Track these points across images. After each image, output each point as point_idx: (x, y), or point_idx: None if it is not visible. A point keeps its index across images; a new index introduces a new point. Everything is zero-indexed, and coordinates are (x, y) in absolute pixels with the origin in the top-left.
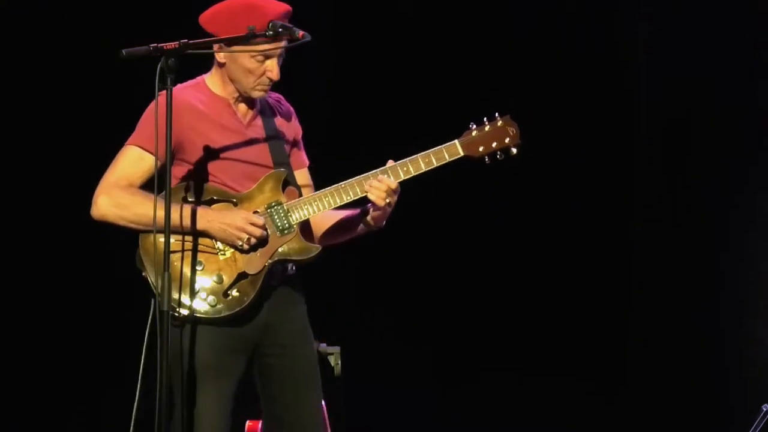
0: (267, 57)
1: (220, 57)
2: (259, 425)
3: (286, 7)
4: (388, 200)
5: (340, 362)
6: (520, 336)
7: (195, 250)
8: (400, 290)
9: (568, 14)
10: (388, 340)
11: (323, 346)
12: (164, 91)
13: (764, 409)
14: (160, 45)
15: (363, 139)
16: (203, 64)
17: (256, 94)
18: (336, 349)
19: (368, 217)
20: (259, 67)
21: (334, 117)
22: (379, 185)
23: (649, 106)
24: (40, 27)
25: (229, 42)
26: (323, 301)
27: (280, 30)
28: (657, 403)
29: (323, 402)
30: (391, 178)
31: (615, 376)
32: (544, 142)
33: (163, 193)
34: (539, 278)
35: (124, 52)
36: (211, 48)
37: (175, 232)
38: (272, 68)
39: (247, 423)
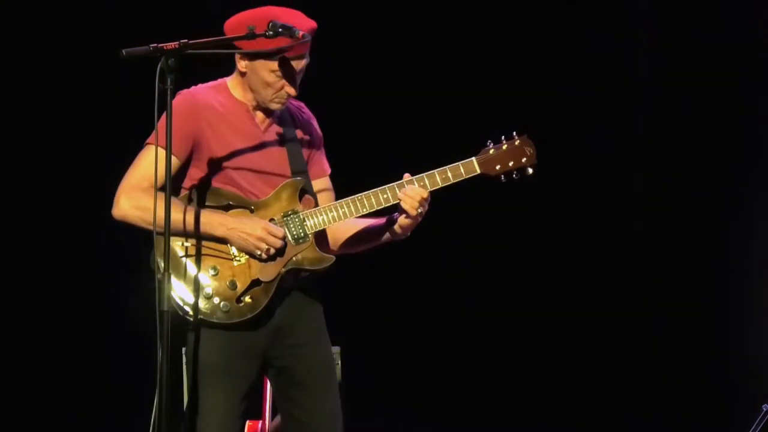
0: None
1: (241, 66)
2: (259, 425)
3: (311, 24)
4: (420, 210)
5: (340, 363)
6: (521, 337)
7: (210, 255)
8: (400, 290)
9: (569, 13)
10: (389, 341)
11: None
12: (183, 91)
13: (764, 409)
14: (160, 45)
15: (376, 151)
16: (221, 65)
17: (274, 106)
18: (336, 350)
19: (396, 226)
20: (278, 81)
21: (349, 129)
22: (412, 195)
23: (649, 105)
24: (40, 27)
25: (244, 48)
26: (323, 301)
27: (280, 30)
28: (657, 402)
29: None
30: (418, 187)
31: (615, 376)
32: (545, 142)
33: (182, 195)
34: (540, 279)
35: (124, 52)
36: (212, 48)
37: (193, 236)
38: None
39: (247, 423)
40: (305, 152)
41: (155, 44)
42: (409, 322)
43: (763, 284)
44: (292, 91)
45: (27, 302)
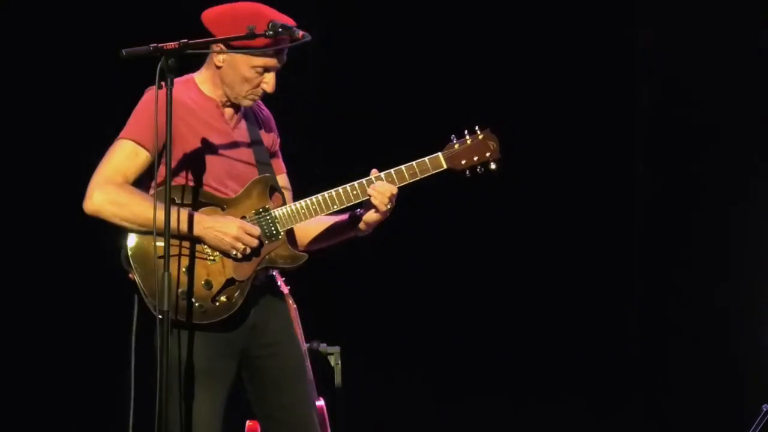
0: (266, 69)
1: (218, 60)
2: (259, 425)
3: (290, 22)
4: (389, 206)
5: (340, 362)
6: (520, 336)
7: (185, 255)
8: (400, 290)
9: (569, 13)
10: (388, 340)
11: (323, 346)
12: (154, 86)
13: (764, 409)
14: (160, 45)
15: (344, 148)
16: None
17: (246, 102)
18: (336, 349)
19: (361, 223)
20: (257, 77)
21: (317, 125)
22: (382, 191)
23: (650, 106)
24: (40, 27)
25: (231, 43)
26: (323, 301)
27: (280, 30)
28: (657, 403)
29: (323, 402)
30: (388, 184)
31: (615, 377)
32: (544, 144)
33: (153, 193)
34: (540, 278)
35: (124, 52)
36: (211, 48)
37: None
38: (269, 81)
39: (247, 423)
40: (267, 150)
41: (155, 44)
42: (410, 322)
43: (763, 284)
44: (269, 88)
45: (24, 301)
